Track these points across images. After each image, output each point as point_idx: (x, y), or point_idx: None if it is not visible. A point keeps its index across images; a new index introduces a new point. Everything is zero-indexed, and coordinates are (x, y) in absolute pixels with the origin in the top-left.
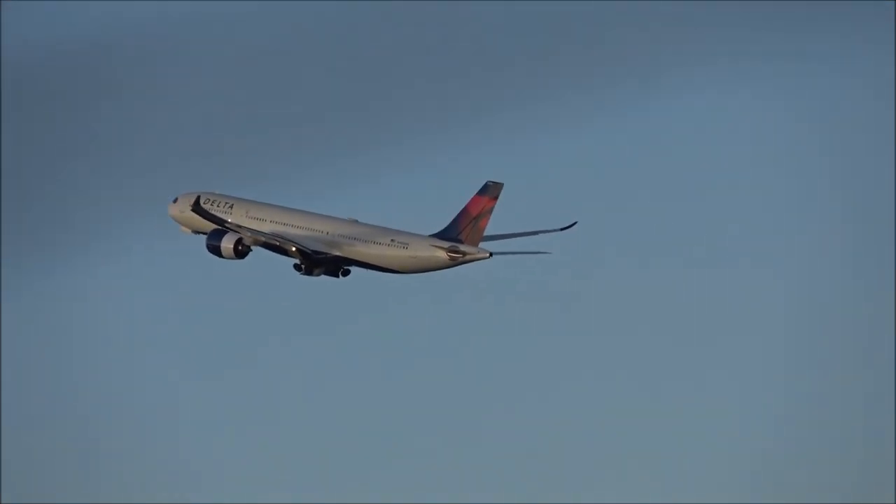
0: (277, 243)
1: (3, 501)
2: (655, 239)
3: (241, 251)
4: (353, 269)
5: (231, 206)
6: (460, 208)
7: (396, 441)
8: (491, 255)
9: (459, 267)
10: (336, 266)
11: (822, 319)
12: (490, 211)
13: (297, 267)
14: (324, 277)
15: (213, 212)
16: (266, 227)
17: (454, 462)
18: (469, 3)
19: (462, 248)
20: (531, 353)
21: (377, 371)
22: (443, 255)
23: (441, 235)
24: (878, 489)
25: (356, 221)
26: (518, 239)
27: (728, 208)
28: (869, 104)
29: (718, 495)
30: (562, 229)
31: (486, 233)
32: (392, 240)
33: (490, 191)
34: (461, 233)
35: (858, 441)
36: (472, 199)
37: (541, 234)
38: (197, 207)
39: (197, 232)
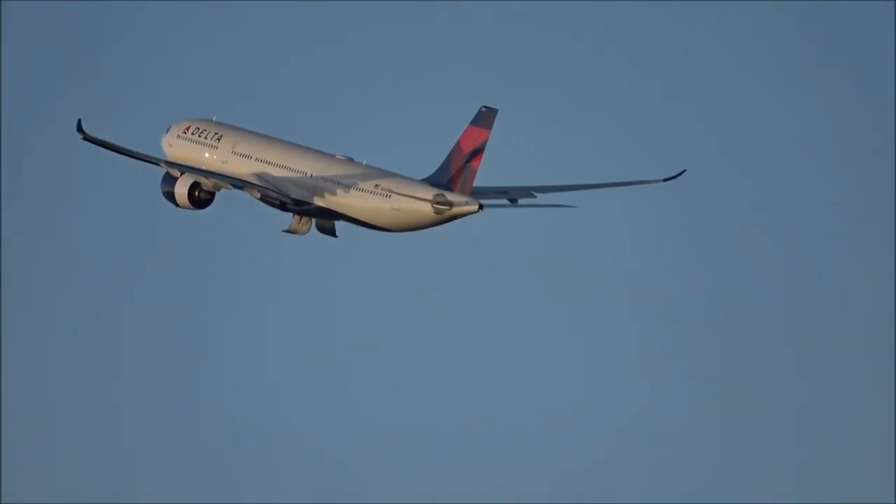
0: (238, 186)
1: (3, 502)
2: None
3: (198, 198)
4: (341, 223)
5: (219, 138)
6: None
7: None
8: (482, 207)
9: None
10: (328, 218)
11: (820, 321)
12: (483, 146)
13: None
14: (315, 233)
15: (198, 142)
16: (247, 166)
17: None
18: None
19: (449, 196)
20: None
21: None
22: (427, 207)
23: (431, 180)
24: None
25: (351, 160)
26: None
27: (727, 209)
28: (869, 104)
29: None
30: (665, 180)
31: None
32: (376, 185)
33: (484, 118)
34: (452, 177)
35: (858, 441)
36: (465, 130)
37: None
38: (82, 132)
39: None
